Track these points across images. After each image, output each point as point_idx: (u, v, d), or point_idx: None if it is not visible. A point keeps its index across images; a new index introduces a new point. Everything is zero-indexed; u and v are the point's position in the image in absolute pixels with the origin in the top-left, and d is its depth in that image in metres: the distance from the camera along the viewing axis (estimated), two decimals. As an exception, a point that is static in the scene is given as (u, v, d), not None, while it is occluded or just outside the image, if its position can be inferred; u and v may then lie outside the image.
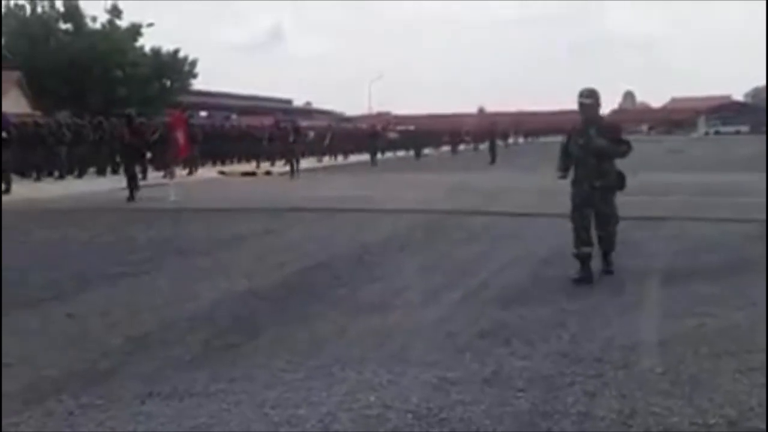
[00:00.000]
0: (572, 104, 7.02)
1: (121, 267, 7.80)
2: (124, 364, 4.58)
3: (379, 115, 61.86)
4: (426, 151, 40.77)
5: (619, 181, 6.91)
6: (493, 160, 29.79)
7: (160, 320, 5.61)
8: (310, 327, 5.39)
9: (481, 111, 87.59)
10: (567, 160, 7.03)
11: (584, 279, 6.66)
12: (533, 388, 4.05)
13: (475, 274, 7.19)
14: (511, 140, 53.77)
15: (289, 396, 3.97)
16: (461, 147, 45.25)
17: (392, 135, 42.33)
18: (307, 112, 57.44)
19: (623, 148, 6.88)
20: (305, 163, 26.06)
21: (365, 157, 32.48)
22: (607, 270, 6.99)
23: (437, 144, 46.13)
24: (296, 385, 4.13)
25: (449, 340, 4.97)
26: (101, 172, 22.61)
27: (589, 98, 6.83)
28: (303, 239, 9.92)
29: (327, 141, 33.53)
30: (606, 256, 7.06)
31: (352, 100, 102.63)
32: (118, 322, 5.56)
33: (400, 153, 40.42)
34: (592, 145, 6.76)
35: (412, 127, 47.62)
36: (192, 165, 23.35)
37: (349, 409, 3.79)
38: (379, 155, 32.50)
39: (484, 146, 39.57)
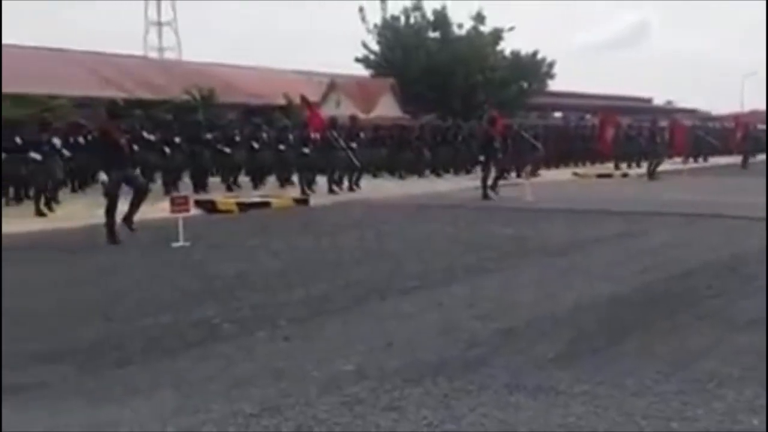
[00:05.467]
0: None
1: (483, 262, 8.15)
2: (491, 355, 4.76)
3: (752, 113, 56.20)
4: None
5: None
6: None
7: (523, 316, 5.74)
8: (679, 337, 5.10)
9: None
10: None
11: None
12: None
13: None
14: None
15: (661, 408, 3.79)
16: None
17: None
18: (668, 111, 54.37)
19: None
20: (667, 164, 24.73)
21: (727, 159, 29.84)
22: None
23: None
24: (668, 397, 3.94)
25: None
26: (459, 171, 23.88)
27: None
28: (666, 245, 9.41)
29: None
30: None
31: (720, 98, 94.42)
32: (484, 314, 5.80)
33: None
34: None
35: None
36: (536, 166, 23.44)
37: (728, 429, 3.50)
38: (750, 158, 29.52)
39: None
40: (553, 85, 42.30)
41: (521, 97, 39.05)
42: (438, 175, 23.40)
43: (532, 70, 39.64)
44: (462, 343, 5.05)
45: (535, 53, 39.86)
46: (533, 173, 19.66)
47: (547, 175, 23.31)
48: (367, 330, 5.43)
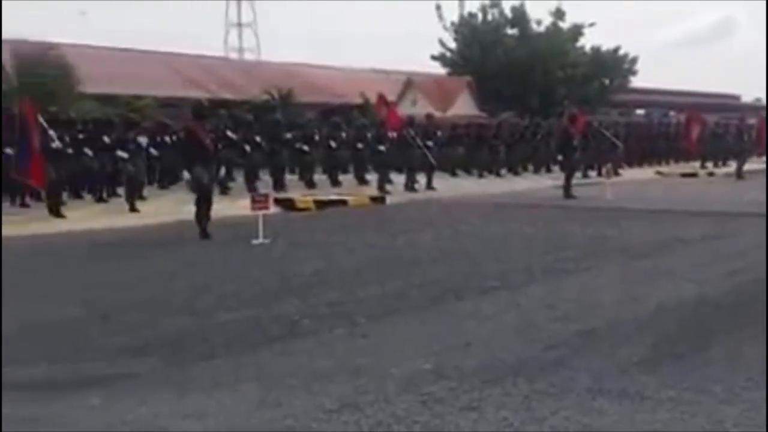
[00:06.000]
0: None
1: (562, 262, 8.02)
2: (572, 357, 4.68)
3: None
4: None
5: None
6: None
7: (605, 318, 5.63)
8: (770, 344, 4.90)
9: None
10: None
11: None
12: None
13: None
14: None
15: (752, 416, 3.65)
16: None
17: None
18: (757, 108, 52.35)
19: None
20: (756, 163, 23.78)
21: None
22: None
23: None
24: (759, 404, 3.79)
25: None
26: (538, 170, 23.55)
27: None
28: (755, 247, 9.04)
29: None
30: None
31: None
32: (564, 316, 5.71)
33: None
34: None
35: None
36: (616, 165, 22.85)
37: (825, 441, 3.35)
38: None
39: None
40: (636, 82, 41.24)
41: (602, 93, 38.21)
42: (516, 173, 23.13)
43: (613, 66, 38.74)
44: (541, 344, 4.98)
45: (616, 49, 38.93)
46: (614, 172, 19.24)
47: (629, 173, 22.74)
48: (444, 329, 5.42)
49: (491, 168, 22.76)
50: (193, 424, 3.69)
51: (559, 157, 16.40)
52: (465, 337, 5.14)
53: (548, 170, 22.95)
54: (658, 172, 24.35)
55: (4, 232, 10.78)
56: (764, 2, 52.24)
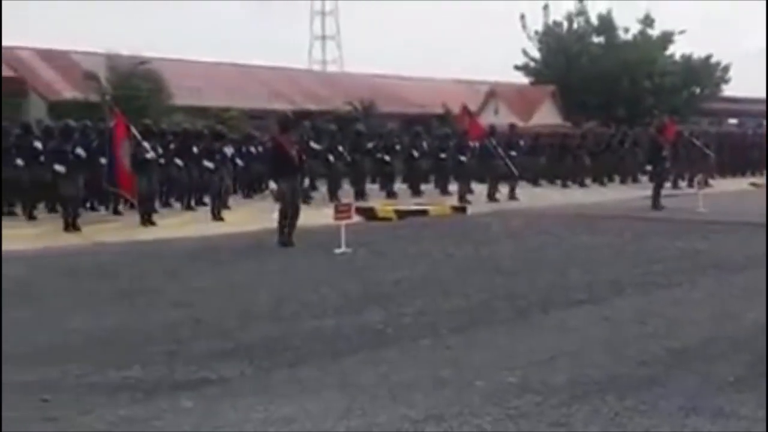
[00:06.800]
0: None
1: (652, 276, 7.80)
2: (664, 374, 4.54)
3: None
4: None
5: None
6: None
7: (698, 335, 5.45)
8: None
9: None
10: None
11: None
12: None
13: None
14: None
15: None
16: None
17: None
18: None
19: None
20: None
21: None
22: None
23: None
24: None
25: None
26: (624, 180, 22.98)
27: None
28: None
29: None
30: None
31: None
32: (654, 331, 5.55)
33: None
34: None
35: None
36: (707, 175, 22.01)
37: None
38: None
39: None
40: (728, 90, 39.81)
41: (693, 102, 37.01)
42: (601, 184, 22.64)
43: (704, 74, 37.48)
44: (631, 360, 4.85)
45: (708, 57, 37.67)
46: (705, 183, 18.58)
47: (721, 185, 21.91)
48: (530, 342, 5.34)
49: (575, 178, 22.35)
50: (280, 429, 3.75)
51: (648, 167, 15.94)
52: (551, 351, 5.05)
53: (635, 180, 22.37)
54: (752, 184, 23.40)
55: (98, 239, 11.28)
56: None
